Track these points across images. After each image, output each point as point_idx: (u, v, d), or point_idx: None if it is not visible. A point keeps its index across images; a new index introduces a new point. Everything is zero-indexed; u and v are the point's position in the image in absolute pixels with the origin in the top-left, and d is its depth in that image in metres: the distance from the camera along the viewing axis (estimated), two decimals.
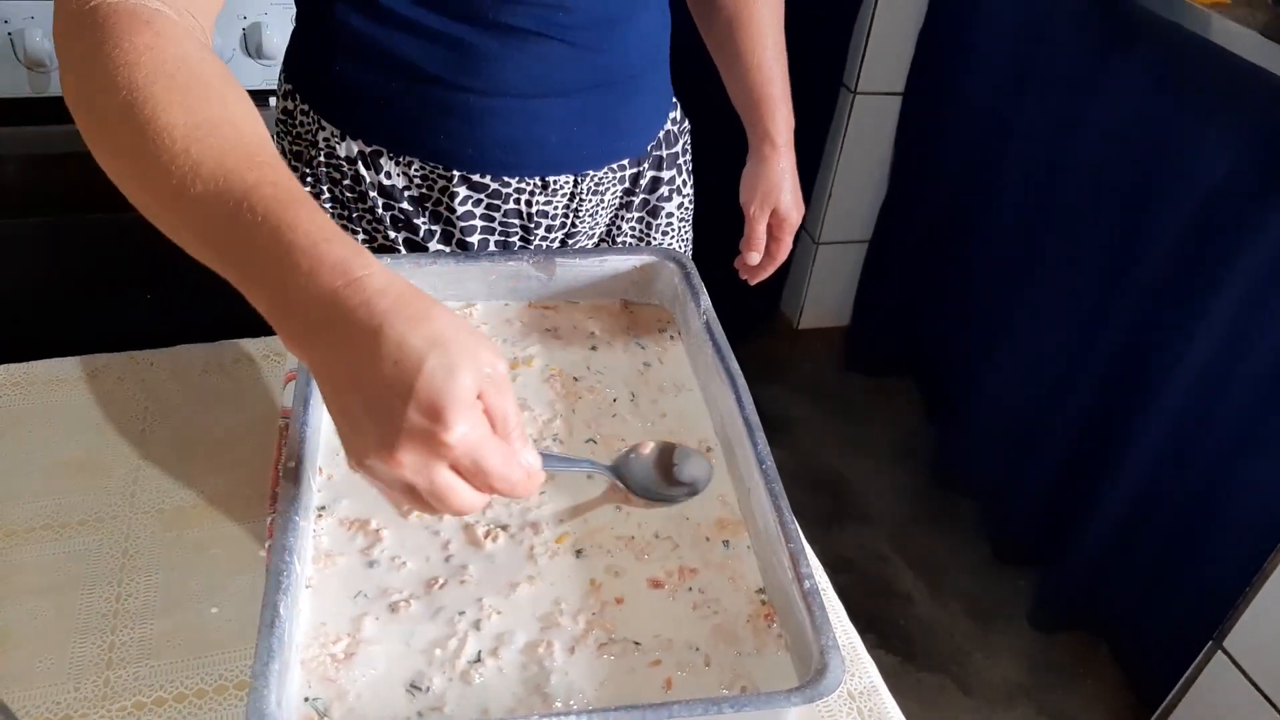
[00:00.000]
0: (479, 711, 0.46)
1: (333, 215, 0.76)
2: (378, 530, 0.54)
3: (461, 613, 0.50)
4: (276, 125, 0.79)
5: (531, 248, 0.80)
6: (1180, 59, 1.30)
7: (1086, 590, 1.54)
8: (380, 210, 0.75)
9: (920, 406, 2.02)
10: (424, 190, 0.75)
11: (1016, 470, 1.66)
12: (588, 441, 0.61)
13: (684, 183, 0.90)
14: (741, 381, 0.59)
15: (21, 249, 1.50)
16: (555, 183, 0.77)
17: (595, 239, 0.86)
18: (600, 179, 0.80)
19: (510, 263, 0.69)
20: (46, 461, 0.68)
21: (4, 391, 0.73)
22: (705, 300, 0.66)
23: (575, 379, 0.65)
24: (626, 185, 0.84)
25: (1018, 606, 1.64)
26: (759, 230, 0.90)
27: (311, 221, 0.43)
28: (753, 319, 2.13)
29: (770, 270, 0.93)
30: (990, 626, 1.62)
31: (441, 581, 0.52)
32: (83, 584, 0.59)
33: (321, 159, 0.74)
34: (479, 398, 0.41)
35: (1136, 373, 1.40)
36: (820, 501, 1.81)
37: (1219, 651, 1.25)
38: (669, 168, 0.88)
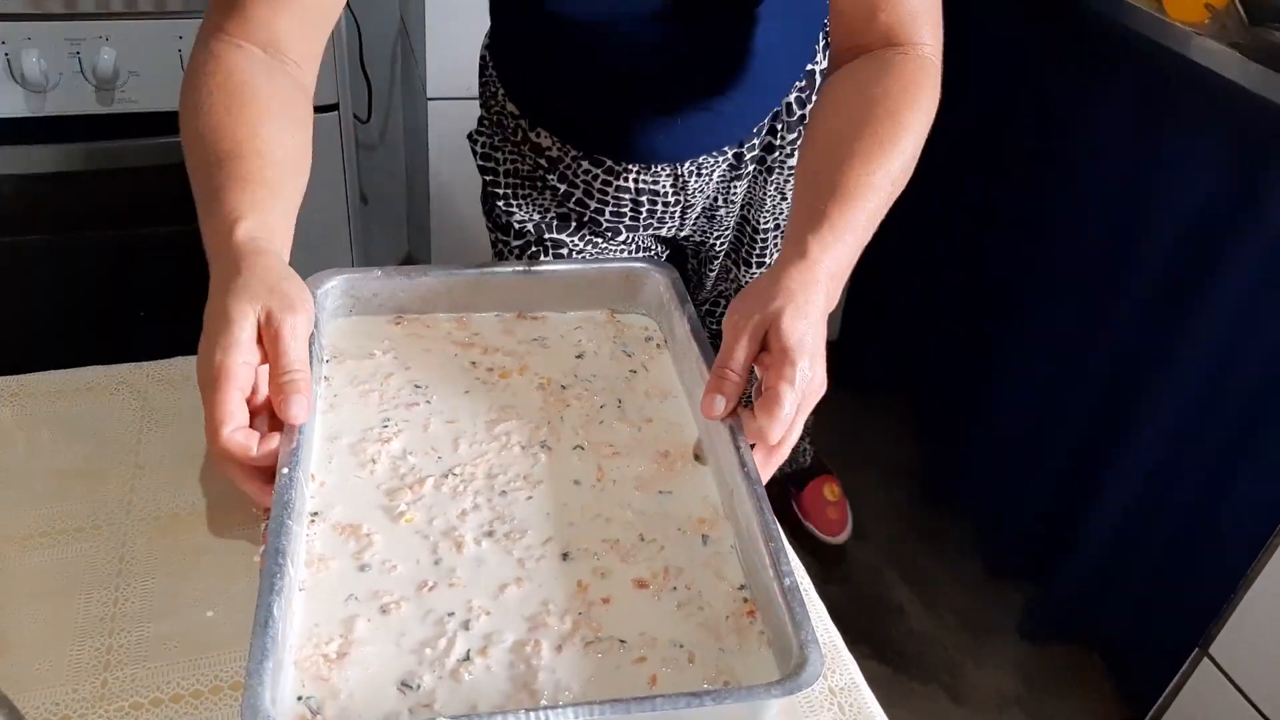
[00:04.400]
0: (468, 707, 0.47)
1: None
2: (369, 535, 0.55)
3: (451, 614, 0.52)
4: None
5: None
6: (1163, 77, 1.33)
7: (1078, 603, 1.55)
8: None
9: (912, 423, 2.04)
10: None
11: (1009, 486, 1.68)
12: (575, 448, 0.62)
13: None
14: None
15: (19, 266, 1.51)
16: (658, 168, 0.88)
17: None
18: (701, 163, 0.89)
19: (499, 274, 0.71)
20: (45, 470, 0.69)
21: (4, 402, 0.74)
22: (690, 309, 0.68)
23: (563, 387, 0.67)
24: (730, 161, 0.91)
25: (1010, 619, 1.65)
26: (735, 355, 0.58)
27: (243, 198, 0.58)
28: None
29: (770, 429, 0.56)
30: (983, 639, 1.63)
31: (431, 584, 0.53)
32: (81, 588, 0.60)
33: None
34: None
35: (1126, 388, 1.42)
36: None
37: (1205, 659, 1.26)
38: (792, 131, 0.93)
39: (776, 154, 0.97)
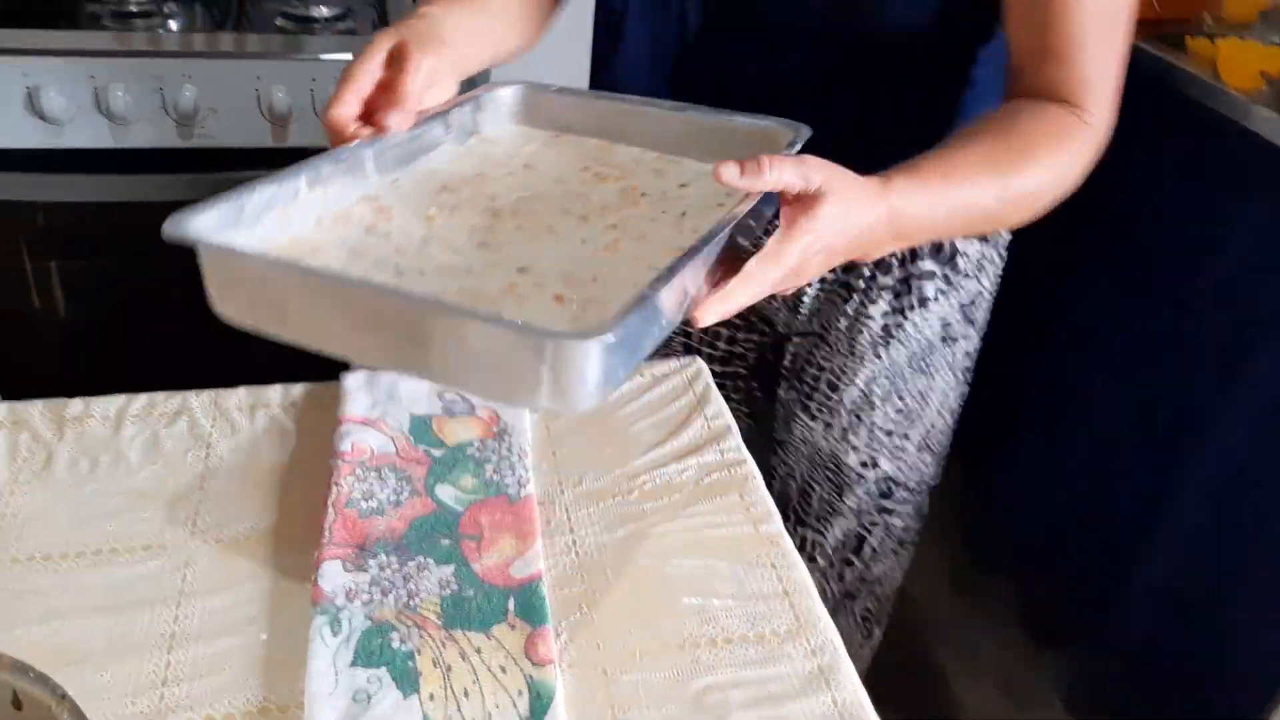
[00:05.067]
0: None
1: None
2: (389, 209, 0.63)
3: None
4: None
5: None
6: (1219, 144, 1.33)
7: (1124, 675, 1.51)
8: None
9: (956, 480, 2.02)
10: None
11: (1054, 550, 1.65)
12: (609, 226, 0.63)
13: None
14: None
15: (96, 289, 1.57)
16: None
17: None
18: None
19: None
20: (113, 490, 0.72)
21: (79, 424, 0.77)
22: None
23: (643, 195, 0.67)
24: None
25: (1054, 688, 1.62)
26: (775, 166, 0.54)
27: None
28: None
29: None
30: (1024, 707, 1.59)
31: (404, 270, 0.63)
32: (143, 605, 0.63)
33: None
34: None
35: (1178, 454, 1.40)
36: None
37: None
38: None
39: None
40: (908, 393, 0.94)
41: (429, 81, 0.66)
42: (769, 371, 1.01)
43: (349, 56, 1.31)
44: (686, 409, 0.82)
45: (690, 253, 0.54)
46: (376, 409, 0.80)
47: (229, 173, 1.39)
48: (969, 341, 0.96)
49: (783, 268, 0.56)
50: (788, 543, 0.71)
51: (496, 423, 0.80)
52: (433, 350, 0.49)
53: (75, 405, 0.79)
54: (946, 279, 0.91)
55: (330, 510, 0.70)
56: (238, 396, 0.81)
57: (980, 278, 0.94)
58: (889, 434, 0.96)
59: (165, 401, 0.80)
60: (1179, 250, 1.39)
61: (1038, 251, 1.73)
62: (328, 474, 0.73)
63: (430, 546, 0.69)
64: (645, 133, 0.73)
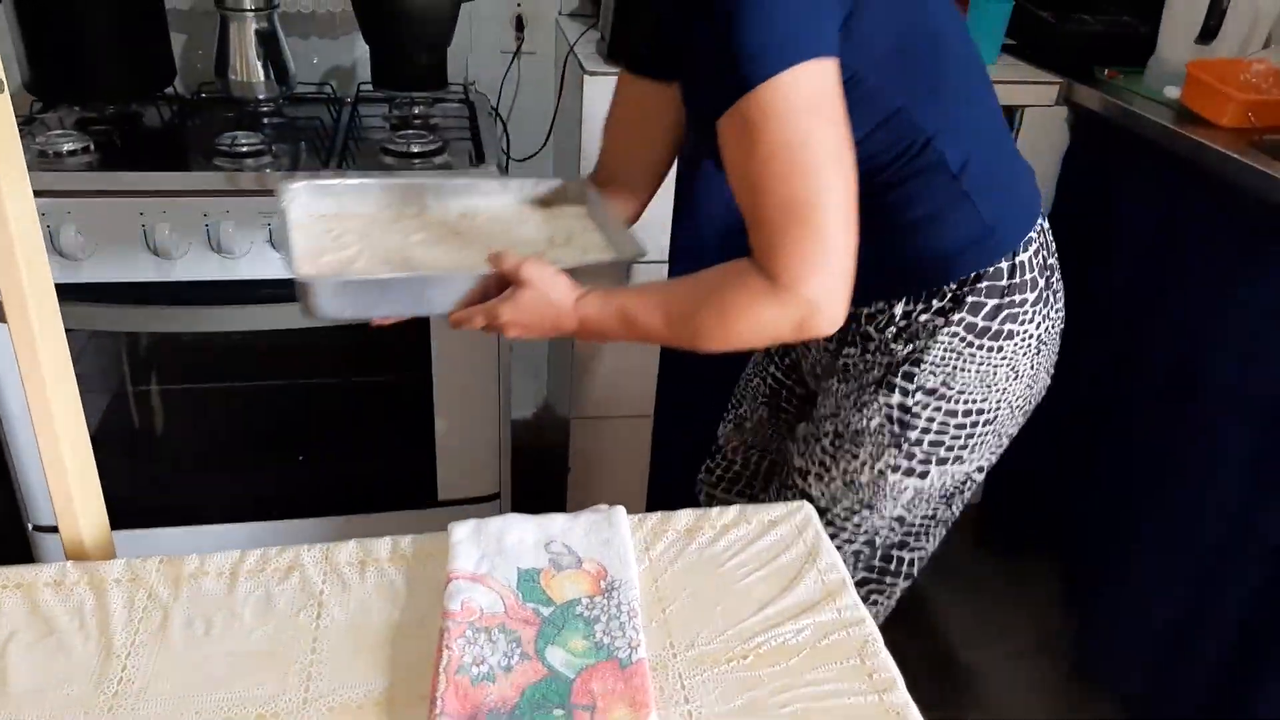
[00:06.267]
0: None
1: None
2: None
3: None
4: None
5: None
6: None
7: None
8: None
9: (1060, 591, 1.93)
10: None
11: (1167, 670, 1.55)
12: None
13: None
14: None
15: (198, 412, 1.62)
16: None
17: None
18: None
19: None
20: (223, 652, 0.72)
21: (194, 582, 0.78)
22: None
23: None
24: None
25: None
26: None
27: None
28: None
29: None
30: None
31: None
32: None
33: None
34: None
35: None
36: (946, 692, 1.72)
37: None
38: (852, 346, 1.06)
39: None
40: (844, 423, 1.06)
41: None
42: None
43: None
44: (798, 561, 0.80)
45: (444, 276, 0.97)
46: (484, 563, 0.79)
47: None
48: (908, 398, 1.02)
49: (487, 317, 0.93)
50: (913, 712, 0.68)
51: (604, 577, 0.78)
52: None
53: (191, 562, 0.80)
54: (882, 333, 1.02)
55: (441, 677, 0.69)
56: (347, 551, 0.81)
57: (918, 343, 1.00)
58: (823, 456, 1.09)
59: (278, 557, 0.81)
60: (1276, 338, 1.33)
61: (1134, 347, 1.68)
62: (438, 633, 0.73)
63: (543, 717, 0.67)
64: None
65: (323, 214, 1.12)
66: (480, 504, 1.68)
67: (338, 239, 1.07)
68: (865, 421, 1.04)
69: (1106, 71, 1.79)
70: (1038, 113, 1.76)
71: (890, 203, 0.94)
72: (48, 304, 0.77)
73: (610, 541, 0.82)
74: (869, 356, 1.04)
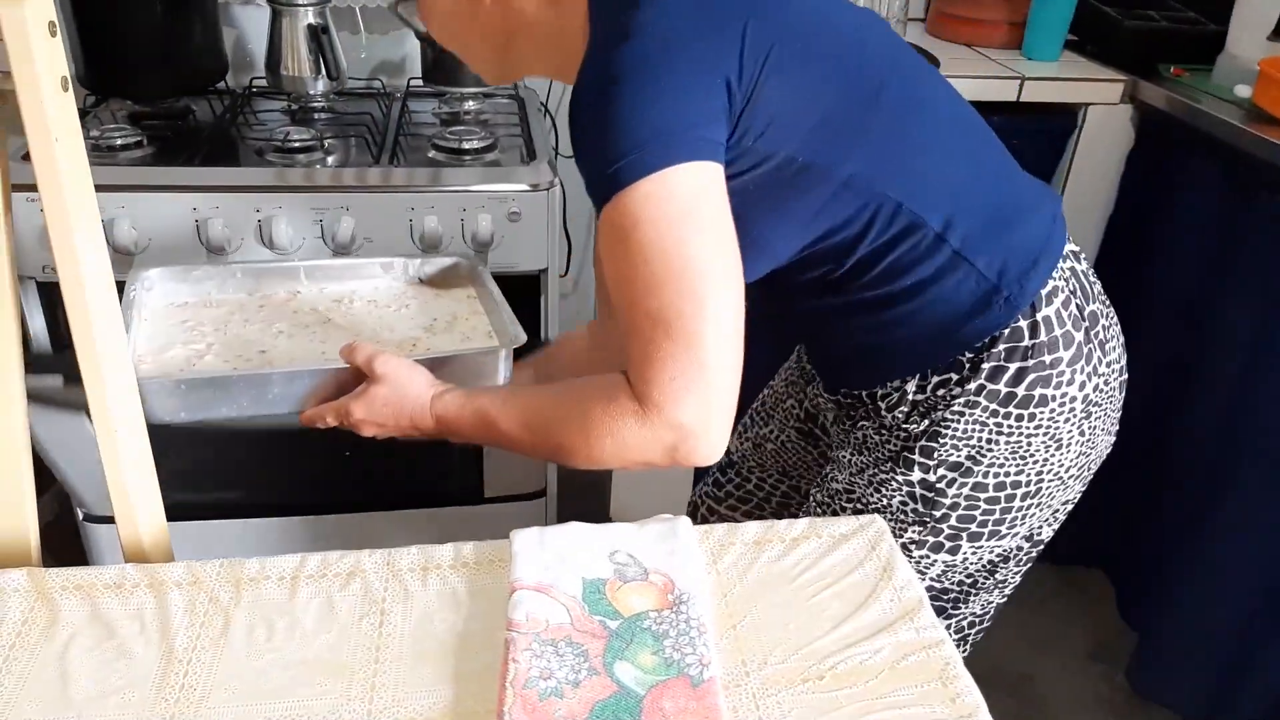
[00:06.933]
0: None
1: None
2: None
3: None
4: None
5: None
6: None
7: None
8: None
9: (1114, 602, 1.88)
10: None
11: (1226, 688, 1.51)
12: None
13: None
14: None
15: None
16: None
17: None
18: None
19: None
20: (284, 662, 0.71)
21: (255, 586, 0.77)
22: None
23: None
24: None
25: None
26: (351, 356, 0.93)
27: None
28: None
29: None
30: None
31: None
32: None
33: None
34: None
35: None
36: (1002, 702, 1.69)
37: None
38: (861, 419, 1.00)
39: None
40: (860, 502, 0.99)
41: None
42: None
43: (497, 187, 1.35)
44: (873, 577, 0.77)
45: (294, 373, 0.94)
46: (548, 573, 0.77)
47: None
48: (930, 474, 0.94)
49: (338, 416, 0.93)
50: None
51: (672, 590, 0.76)
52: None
53: (251, 565, 0.78)
54: (893, 411, 0.95)
55: (508, 691, 0.67)
56: (410, 556, 0.80)
57: (935, 414, 0.91)
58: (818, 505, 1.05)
59: (339, 561, 0.79)
60: None
61: (1189, 365, 1.62)
62: (503, 644, 0.71)
63: None
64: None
65: (185, 302, 1.06)
66: (526, 500, 1.66)
67: (191, 330, 1.01)
68: (885, 500, 0.96)
69: (1172, 69, 1.74)
70: (1102, 110, 1.71)
71: (875, 279, 0.87)
72: (108, 299, 0.76)
73: (676, 552, 0.79)
74: (885, 432, 0.95)
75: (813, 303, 0.92)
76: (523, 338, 0.97)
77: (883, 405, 0.95)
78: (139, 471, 0.82)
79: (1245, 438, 1.49)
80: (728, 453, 1.32)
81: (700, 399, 0.74)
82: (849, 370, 0.98)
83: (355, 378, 0.92)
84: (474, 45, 0.93)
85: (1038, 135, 1.73)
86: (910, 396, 0.92)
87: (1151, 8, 1.86)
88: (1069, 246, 0.94)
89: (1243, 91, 1.61)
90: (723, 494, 1.32)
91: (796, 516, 1.17)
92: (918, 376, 0.91)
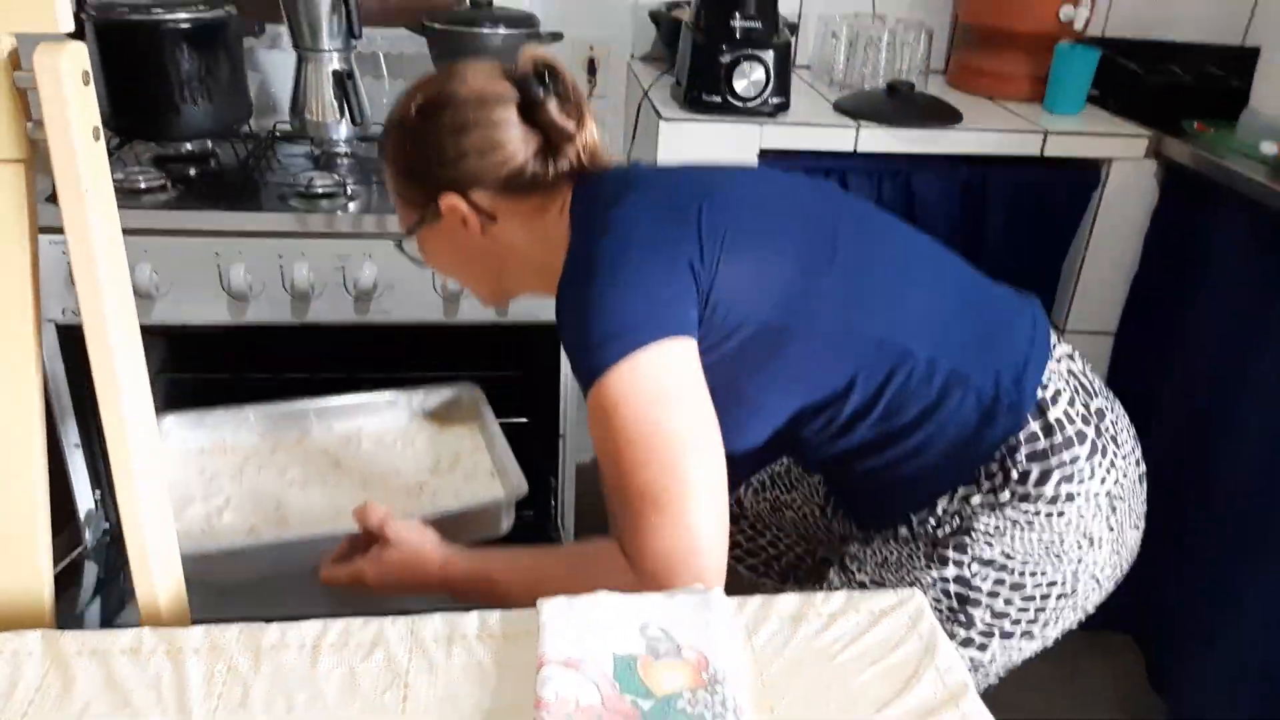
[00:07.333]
0: None
1: None
2: None
3: None
4: None
5: None
6: None
7: None
8: None
9: (1142, 669, 1.84)
10: None
11: None
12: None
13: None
14: None
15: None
16: None
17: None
18: None
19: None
20: None
21: (275, 655, 0.75)
22: None
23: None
24: None
25: None
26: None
27: None
28: None
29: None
30: None
31: None
32: None
33: None
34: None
35: None
36: None
37: None
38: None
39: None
40: (871, 574, 1.02)
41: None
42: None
43: None
44: (915, 657, 0.74)
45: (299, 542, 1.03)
46: (578, 647, 0.75)
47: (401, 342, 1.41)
48: (963, 569, 0.95)
49: (353, 577, 0.97)
50: None
51: (706, 667, 0.73)
52: None
53: (272, 632, 0.76)
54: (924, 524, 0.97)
55: None
56: (433, 625, 0.77)
57: (965, 510, 0.94)
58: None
59: (361, 630, 0.77)
60: None
61: (1222, 415, 1.59)
62: None
63: None
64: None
65: (200, 448, 1.11)
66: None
67: (210, 482, 1.08)
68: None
69: (1196, 124, 1.73)
70: (1126, 166, 1.70)
71: (880, 417, 0.90)
72: (134, 357, 0.75)
73: (710, 624, 0.77)
74: (915, 534, 0.97)
75: (827, 450, 0.94)
76: (524, 489, 1.04)
77: (914, 519, 0.97)
78: (158, 532, 0.80)
79: (1277, 499, 1.46)
80: (740, 506, 1.31)
81: (692, 564, 0.80)
82: (879, 510, 1.00)
83: (369, 536, 0.98)
84: (471, 275, 1.02)
85: (1061, 190, 1.72)
86: (940, 509, 0.94)
87: (1174, 63, 1.86)
88: (1062, 349, 0.97)
89: (1268, 148, 1.60)
90: (731, 543, 1.31)
91: (806, 579, 1.16)
92: (945, 499, 0.93)
